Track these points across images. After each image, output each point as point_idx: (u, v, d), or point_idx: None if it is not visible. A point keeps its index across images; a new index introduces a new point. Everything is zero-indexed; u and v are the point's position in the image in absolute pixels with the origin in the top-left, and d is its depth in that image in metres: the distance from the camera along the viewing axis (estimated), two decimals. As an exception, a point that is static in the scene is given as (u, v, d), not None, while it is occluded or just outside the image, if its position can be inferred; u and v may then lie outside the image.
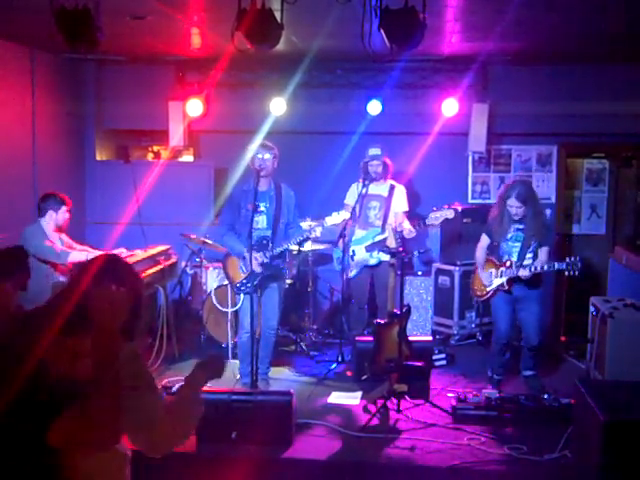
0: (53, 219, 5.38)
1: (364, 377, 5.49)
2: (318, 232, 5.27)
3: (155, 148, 8.55)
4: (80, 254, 5.36)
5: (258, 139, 6.13)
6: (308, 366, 6.23)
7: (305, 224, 5.91)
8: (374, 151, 6.20)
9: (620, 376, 5.07)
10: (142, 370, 2.13)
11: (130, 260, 5.41)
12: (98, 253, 5.31)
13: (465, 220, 6.93)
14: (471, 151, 7.29)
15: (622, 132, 7.26)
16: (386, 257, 5.78)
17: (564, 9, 4.84)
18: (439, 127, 7.21)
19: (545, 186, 7.50)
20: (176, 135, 7.44)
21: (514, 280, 5.24)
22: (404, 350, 4.97)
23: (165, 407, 2.14)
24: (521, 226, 5.28)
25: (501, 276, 5.29)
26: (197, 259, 6.79)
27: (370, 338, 5.33)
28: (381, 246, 6.00)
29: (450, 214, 5.50)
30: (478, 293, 5.55)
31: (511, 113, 7.15)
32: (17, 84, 6.44)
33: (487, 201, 7.39)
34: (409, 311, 5.17)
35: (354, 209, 6.05)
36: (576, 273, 5.01)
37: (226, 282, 5.81)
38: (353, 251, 6.16)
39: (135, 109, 7.48)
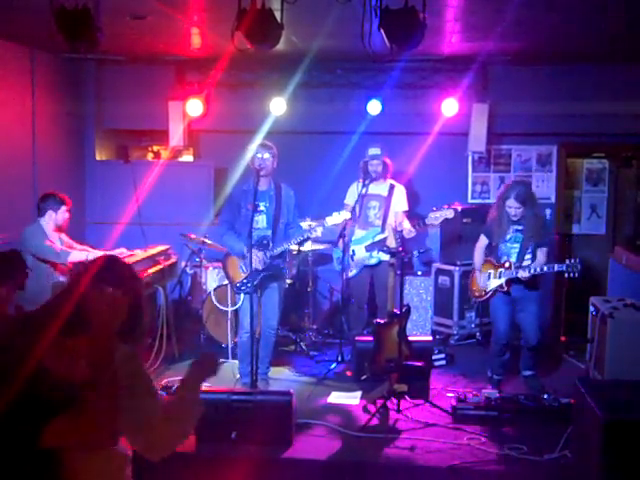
0: (53, 219, 5.38)
1: (364, 377, 5.49)
2: (319, 232, 5.28)
3: (155, 148, 8.54)
4: (80, 254, 5.36)
5: (258, 139, 6.11)
6: (308, 366, 6.23)
7: (305, 224, 5.91)
8: (374, 151, 6.20)
9: (620, 376, 5.06)
10: (139, 371, 2.13)
11: (130, 260, 5.41)
12: (98, 253, 5.32)
13: (465, 220, 6.92)
14: (471, 151, 7.29)
15: (622, 132, 7.25)
16: (386, 257, 5.76)
17: (564, 9, 4.84)
18: (439, 127, 7.20)
19: (545, 186, 7.49)
20: (176, 135, 7.44)
21: (513, 281, 5.24)
22: (404, 350, 4.97)
23: (163, 408, 2.14)
24: (520, 227, 5.28)
25: (500, 277, 5.29)
26: (197, 259, 6.78)
27: (370, 338, 5.32)
28: (381, 246, 6.00)
29: (450, 214, 5.51)
30: (476, 294, 5.54)
31: (511, 113, 7.14)
32: (17, 84, 6.43)
33: (487, 201, 7.38)
34: (409, 311, 5.17)
35: (354, 209, 6.05)
36: (576, 275, 5.01)
37: (226, 282, 5.81)
38: (353, 251, 6.16)
39: (135, 109, 7.47)
